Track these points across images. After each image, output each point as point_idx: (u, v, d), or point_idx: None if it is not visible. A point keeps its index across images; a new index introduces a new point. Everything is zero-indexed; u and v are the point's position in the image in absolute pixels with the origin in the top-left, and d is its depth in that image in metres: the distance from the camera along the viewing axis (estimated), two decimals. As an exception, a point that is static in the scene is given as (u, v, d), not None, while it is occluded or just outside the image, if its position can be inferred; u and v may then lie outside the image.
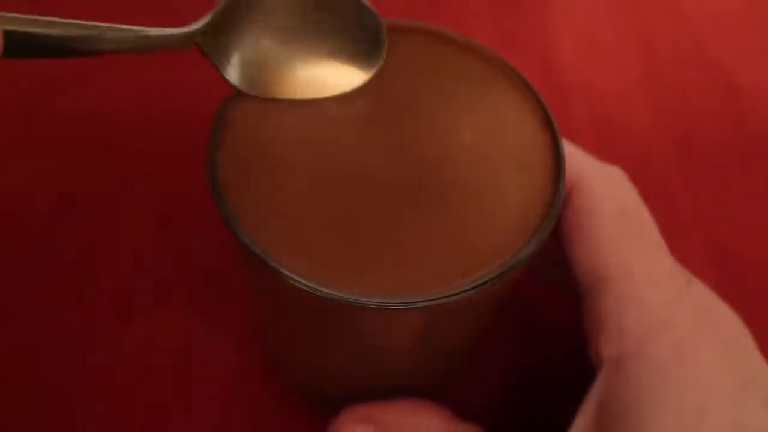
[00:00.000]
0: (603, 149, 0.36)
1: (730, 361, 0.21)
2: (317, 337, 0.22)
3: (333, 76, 0.21)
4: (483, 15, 0.41)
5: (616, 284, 0.22)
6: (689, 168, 0.36)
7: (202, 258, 0.31)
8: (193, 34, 0.19)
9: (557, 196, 0.20)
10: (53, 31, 0.17)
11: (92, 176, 0.34)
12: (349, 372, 0.24)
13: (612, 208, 0.23)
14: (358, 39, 0.21)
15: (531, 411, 0.29)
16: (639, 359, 0.21)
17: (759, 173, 0.36)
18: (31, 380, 0.28)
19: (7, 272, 0.31)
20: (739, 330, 0.22)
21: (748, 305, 0.32)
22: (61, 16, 0.17)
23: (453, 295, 0.18)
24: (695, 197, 0.35)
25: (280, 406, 0.28)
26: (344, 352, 0.23)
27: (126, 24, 0.17)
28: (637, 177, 0.35)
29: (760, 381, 0.21)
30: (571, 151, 0.21)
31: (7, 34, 0.16)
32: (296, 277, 0.18)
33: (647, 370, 0.21)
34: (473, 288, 0.18)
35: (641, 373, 0.21)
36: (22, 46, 0.16)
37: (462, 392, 0.28)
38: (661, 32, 0.41)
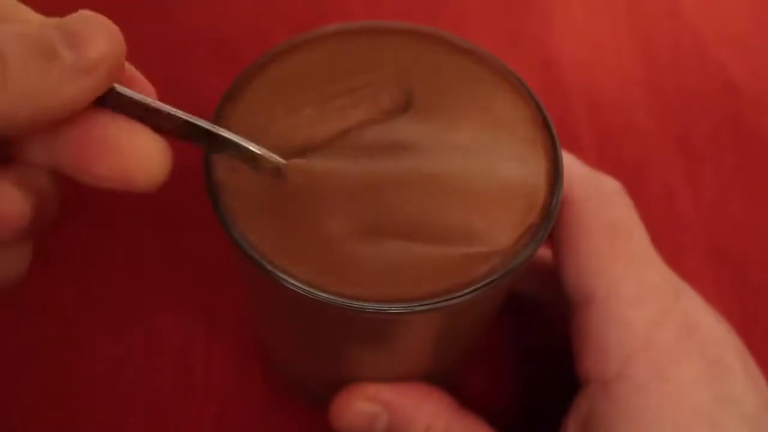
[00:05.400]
0: (603, 150, 0.36)
1: (710, 380, 0.21)
2: (315, 339, 0.22)
3: None
4: (483, 16, 0.41)
5: (600, 304, 0.22)
6: (689, 168, 0.36)
7: (201, 258, 0.31)
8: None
9: (555, 196, 0.20)
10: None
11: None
12: (347, 372, 0.24)
13: (600, 224, 0.23)
14: None
15: (531, 403, 0.29)
16: (620, 380, 0.21)
17: (759, 173, 0.36)
18: (31, 380, 0.28)
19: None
20: (724, 346, 0.22)
21: (748, 305, 0.32)
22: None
23: (453, 297, 0.18)
24: (695, 197, 0.35)
25: (280, 406, 0.28)
26: (343, 354, 0.23)
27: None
28: (637, 177, 0.35)
29: (740, 399, 0.21)
30: (565, 163, 0.21)
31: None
32: (293, 282, 0.18)
33: (628, 390, 0.21)
34: (473, 291, 0.18)
35: (622, 394, 0.21)
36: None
37: (463, 382, 0.28)
38: (661, 32, 0.41)
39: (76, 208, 0.32)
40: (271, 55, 0.22)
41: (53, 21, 0.16)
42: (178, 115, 0.18)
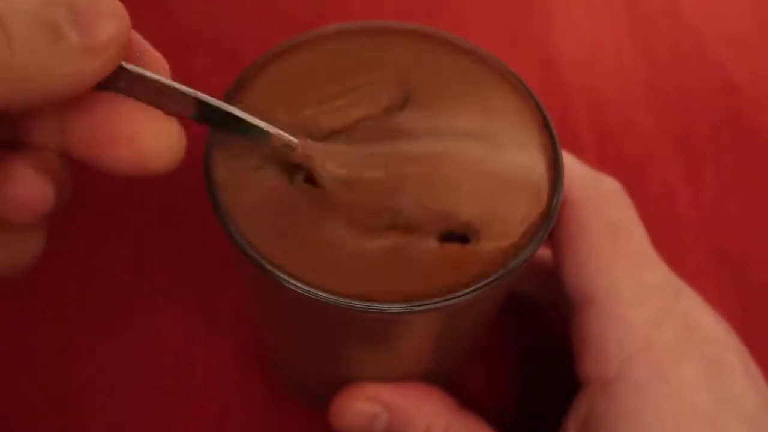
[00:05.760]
0: (603, 150, 0.36)
1: (710, 380, 0.21)
2: (315, 339, 0.22)
3: None
4: (483, 16, 0.41)
5: (600, 304, 0.22)
6: (689, 168, 0.36)
7: (201, 258, 0.31)
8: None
9: (556, 196, 0.20)
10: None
11: (93, 176, 0.34)
12: (347, 372, 0.24)
13: (600, 224, 0.23)
14: None
15: (531, 403, 0.29)
16: (620, 380, 0.21)
17: (759, 173, 0.36)
18: (31, 380, 0.28)
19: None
20: (724, 346, 0.22)
21: (748, 305, 0.32)
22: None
23: (453, 297, 0.18)
24: (695, 197, 0.35)
25: (280, 406, 0.28)
26: (343, 354, 0.23)
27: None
28: (637, 177, 0.35)
29: (740, 399, 0.21)
30: (565, 163, 0.21)
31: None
32: (293, 282, 0.18)
33: (628, 390, 0.21)
34: (473, 291, 0.18)
35: (622, 394, 0.21)
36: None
37: (463, 382, 0.28)
38: (661, 32, 0.41)
39: (76, 209, 0.32)
40: (271, 55, 0.22)
41: None
42: (189, 93, 0.17)
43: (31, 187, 0.16)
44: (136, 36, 0.17)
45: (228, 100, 0.21)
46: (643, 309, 0.22)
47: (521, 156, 0.20)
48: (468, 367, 0.29)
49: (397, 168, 0.19)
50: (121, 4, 0.16)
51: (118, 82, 0.16)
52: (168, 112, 0.17)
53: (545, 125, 0.21)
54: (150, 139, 0.17)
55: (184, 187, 0.33)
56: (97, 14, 0.15)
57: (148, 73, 0.17)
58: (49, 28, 0.14)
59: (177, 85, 0.17)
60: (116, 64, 0.16)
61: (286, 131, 0.19)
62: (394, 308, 0.18)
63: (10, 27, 0.14)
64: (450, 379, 0.27)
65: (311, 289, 0.18)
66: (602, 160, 0.35)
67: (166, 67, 0.18)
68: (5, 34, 0.14)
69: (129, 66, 0.16)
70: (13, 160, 0.16)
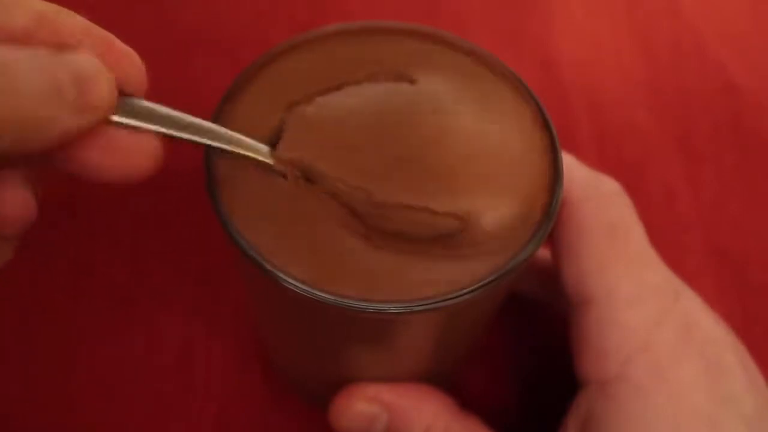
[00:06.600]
0: (603, 150, 0.36)
1: (709, 380, 0.21)
2: (315, 339, 0.22)
3: None
4: (483, 16, 0.41)
5: (599, 306, 0.22)
6: (689, 168, 0.36)
7: (201, 258, 0.31)
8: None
9: (555, 197, 0.20)
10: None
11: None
12: (347, 372, 0.24)
13: (600, 225, 0.23)
14: None
15: (531, 403, 0.29)
16: (620, 382, 0.21)
17: (759, 173, 0.36)
18: (31, 380, 0.28)
19: (7, 272, 0.31)
20: (723, 346, 0.22)
21: (748, 305, 0.32)
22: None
23: (453, 297, 0.18)
24: (695, 197, 0.35)
25: (280, 405, 0.28)
26: (343, 354, 0.23)
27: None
28: (637, 177, 0.35)
29: (739, 399, 0.21)
30: (565, 163, 0.21)
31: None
32: (293, 282, 0.18)
33: (627, 390, 0.21)
34: (473, 290, 0.18)
35: (622, 396, 0.21)
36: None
37: (463, 382, 0.28)
38: (661, 32, 0.41)
39: (76, 208, 0.32)
40: (271, 55, 0.22)
41: (63, 57, 0.16)
42: (174, 134, 0.18)
43: (21, 203, 0.17)
44: (103, 32, 0.18)
45: (227, 100, 0.21)
46: (643, 309, 0.22)
47: (521, 157, 0.20)
48: (468, 367, 0.29)
49: (384, 168, 0.19)
50: (114, 77, 0.17)
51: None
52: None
53: (545, 125, 0.21)
54: (131, 150, 0.18)
55: (184, 186, 0.33)
56: (94, 79, 0.17)
57: (134, 123, 0.18)
58: (53, 84, 0.16)
59: (160, 130, 0.18)
60: (100, 121, 0.17)
61: (262, 146, 0.20)
62: (393, 308, 0.18)
63: (19, 77, 0.15)
64: (450, 380, 0.27)
65: (311, 289, 0.18)
66: (602, 160, 0.35)
67: (137, 62, 0.18)
68: (13, 78, 0.15)
69: (117, 119, 0.17)
70: (2, 175, 0.17)
